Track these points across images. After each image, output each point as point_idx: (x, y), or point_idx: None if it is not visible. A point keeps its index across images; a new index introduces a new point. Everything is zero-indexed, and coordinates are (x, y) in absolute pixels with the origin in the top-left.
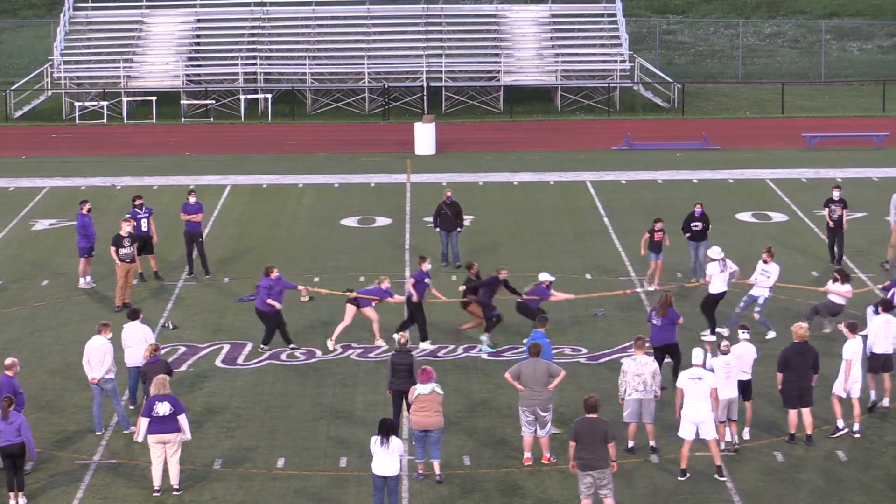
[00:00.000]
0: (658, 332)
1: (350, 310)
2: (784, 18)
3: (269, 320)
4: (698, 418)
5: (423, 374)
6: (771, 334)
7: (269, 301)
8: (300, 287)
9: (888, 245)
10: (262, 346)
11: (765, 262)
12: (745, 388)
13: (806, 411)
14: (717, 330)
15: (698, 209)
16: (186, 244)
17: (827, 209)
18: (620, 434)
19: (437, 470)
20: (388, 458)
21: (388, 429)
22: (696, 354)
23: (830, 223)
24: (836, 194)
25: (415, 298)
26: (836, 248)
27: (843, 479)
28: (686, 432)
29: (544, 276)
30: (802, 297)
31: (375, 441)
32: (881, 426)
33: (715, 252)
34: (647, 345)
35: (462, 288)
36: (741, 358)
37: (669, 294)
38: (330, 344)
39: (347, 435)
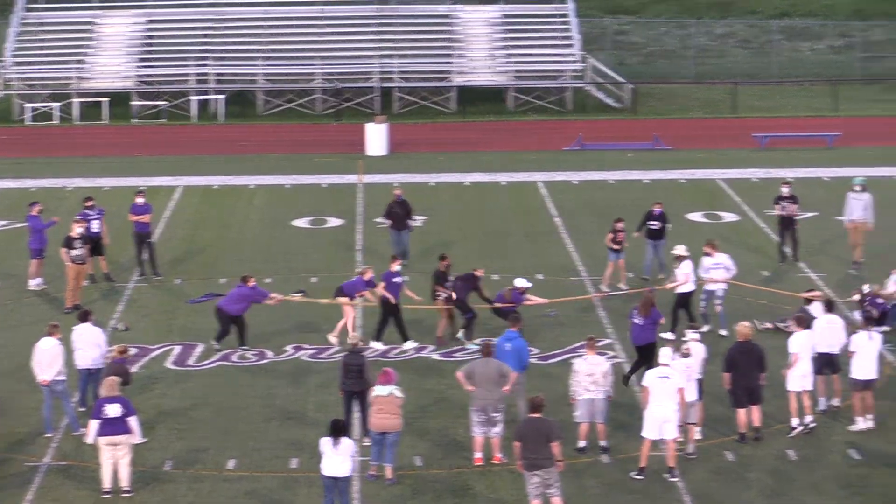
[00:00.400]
0: (640, 331)
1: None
2: (735, 19)
3: (226, 321)
4: (664, 417)
5: (382, 375)
6: (724, 331)
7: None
8: (273, 296)
9: (851, 245)
10: (214, 341)
11: (708, 254)
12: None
13: (755, 408)
14: (721, 332)
15: (657, 208)
16: (136, 245)
17: (777, 206)
18: (571, 434)
19: (388, 474)
20: (338, 459)
21: (339, 430)
22: (664, 353)
23: (779, 221)
24: (785, 191)
25: (392, 300)
26: (785, 248)
27: (794, 478)
28: (649, 431)
29: (520, 283)
30: (753, 296)
31: (326, 442)
32: (831, 425)
33: (684, 249)
34: (598, 344)
35: (439, 288)
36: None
37: (652, 293)
38: (333, 339)
39: (299, 436)
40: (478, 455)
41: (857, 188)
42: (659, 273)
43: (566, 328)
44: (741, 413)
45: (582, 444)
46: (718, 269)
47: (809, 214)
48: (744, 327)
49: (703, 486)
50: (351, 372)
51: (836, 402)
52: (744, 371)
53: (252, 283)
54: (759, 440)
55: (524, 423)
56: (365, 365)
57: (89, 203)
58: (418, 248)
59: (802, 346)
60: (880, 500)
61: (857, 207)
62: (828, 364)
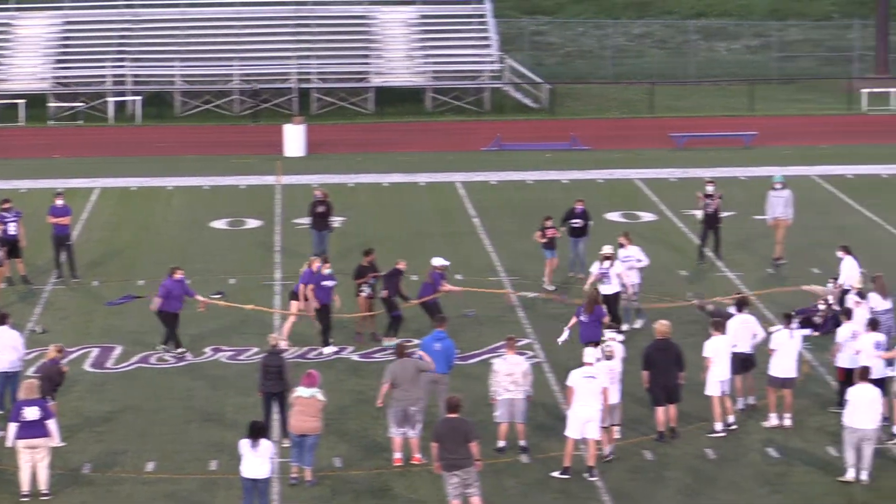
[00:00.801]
0: (585, 328)
1: (293, 305)
2: (652, 19)
3: (170, 320)
4: (587, 417)
5: (307, 377)
6: (638, 324)
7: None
8: (199, 298)
9: (775, 243)
10: (163, 346)
11: (622, 245)
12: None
13: (672, 407)
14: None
15: (579, 206)
16: (54, 248)
17: (701, 204)
18: (491, 433)
19: (308, 476)
20: (257, 460)
21: (258, 431)
22: (589, 353)
23: (702, 219)
24: (709, 189)
25: (316, 304)
26: (705, 249)
27: (712, 476)
28: (573, 431)
29: (438, 261)
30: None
31: (245, 444)
32: (748, 423)
33: (610, 249)
34: (517, 343)
35: (362, 283)
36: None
37: (596, 290)
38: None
39: (218, 438)
40: (397, 455)
41: (778, 186)
42: (580, 272)
43: (486, 328)
44: (659, 411)
45: (501, 444)
46: (629, 261)
47: (727, 214)
48: (662, 325)
49: (623, 485)
50: (270, 373)
51: (751, 400)
52: (662, 369)
53: (178, 274)
54: (676, 438)
55: (441, 423)
56: (284, 366)
57: (6, 205)
58: (337, 249)
59: (717, 350)
60: (799, 497)
61: (778, 205)
62: (742, 363)
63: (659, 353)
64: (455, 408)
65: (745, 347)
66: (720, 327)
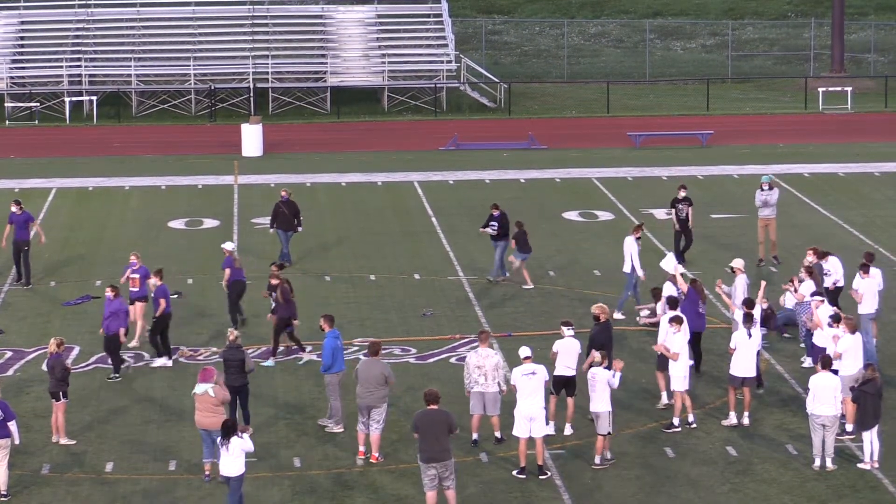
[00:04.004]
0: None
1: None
2: (609, 18)
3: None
4: (532, 413)
5: (202, 373)
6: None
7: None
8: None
9: (759, 242)
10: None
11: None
12: (569, 383)
13: None
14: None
15: (495, 212)
16: (14, 253)
17: (674, 209)
18: (466, 424)
19: (206, 470)
20: (230, 458)
21: (228, 430)
22: (525, 350)
23: (677, 225)
24: (681, 194)
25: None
26: (685, 250)
27: (672, 473)
28: (521, 430)
29: (228, 246)
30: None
31: (219, 443)
32: (708, 422)
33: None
34: (490, 338)
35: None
36: (567, 353)
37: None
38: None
39: (177, 438)
40: (361, 448)
41: (766, 186)
42: (500, 275)
43: (443, 327)
44: None
45: (475, 436)
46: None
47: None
48: (599, 308)
49: (582, 484)
50: (231, 367)
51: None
52: (607, 349)
53: (108, 292)
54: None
55: (422, 414)
56: (245, 359)
57: None
58: (295, 250)
59: (682, 346)
60: (757, 495)
61: (767, 204)
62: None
63: (602, 335)
64: (435, 399)
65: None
66: (681, 322)
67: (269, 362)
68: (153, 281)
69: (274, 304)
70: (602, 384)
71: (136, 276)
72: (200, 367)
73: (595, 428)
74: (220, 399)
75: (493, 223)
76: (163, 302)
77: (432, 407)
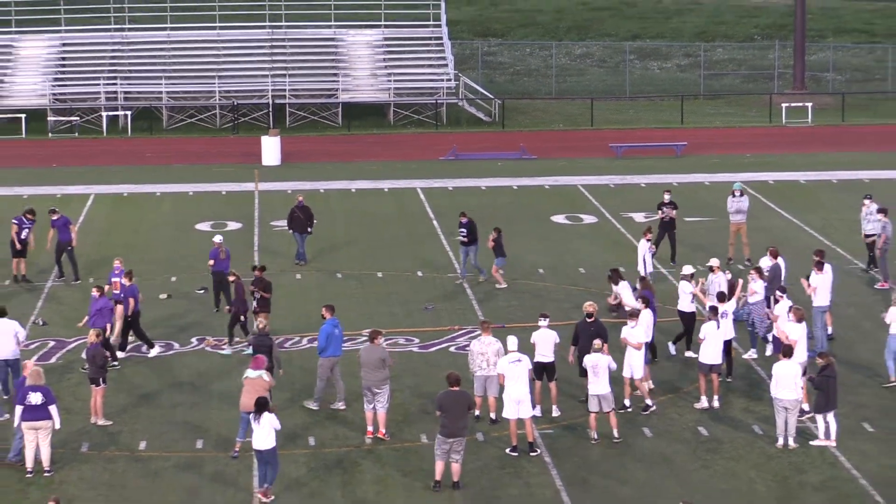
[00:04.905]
0: None
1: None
2: (592, 41)
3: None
4: (519, 396)
5: (254, 360)
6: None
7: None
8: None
9: (730, 244)
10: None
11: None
12: (548, 369)
13: None
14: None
15: (464, 219)
16: (57, 253)
17: (660, 211)
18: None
19: (237, 448)
20: (262, 433)
21: (261, 406)
22: (512, 341)
23: (661, 221)
24: (666, 197)
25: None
26: (674, 252)
27: (648, 452)
28: (510, 412)
29: (216, 239)
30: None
31: (251, 418)
32: (681, 405)
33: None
34: (490, 327)
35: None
36: (543, 342)
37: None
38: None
39: (203, 418)
40: (370, 428)
41: (737, 193)
42: (480, 276)
43: (443, 319)
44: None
45: (477, 413)
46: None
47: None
48: (589, 305)
49: (568, 460)
50: (260, 352)
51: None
52: (586, 344)
53: (94, 291)
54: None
55: (445, 395)
56: (273, 346)
57: (29, 216)
58: (311, 249)
59: (637, 338)
60: (722, 471)
61: (739, 210)
62: (651, 351)
63: (585, 329)
64: (457, 382)
65: (647, 338)
66: (636, 315)
67: (227, 351)
68: (123, 281)
69: (255, 301)
70: (604, 369)
71: (117, 279)
72: (250, 357)
73: (586, 406)
74: (270, 384)
75: (462, 230)
76: (132, 301)
77: (454, 388)
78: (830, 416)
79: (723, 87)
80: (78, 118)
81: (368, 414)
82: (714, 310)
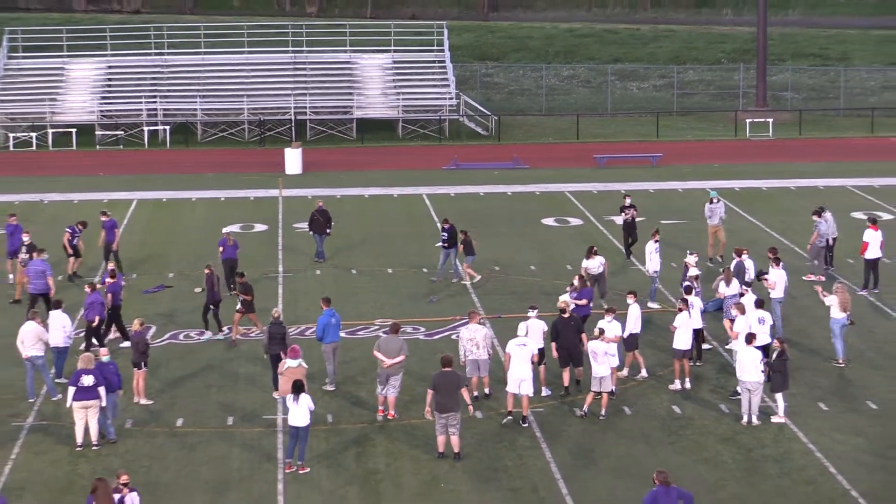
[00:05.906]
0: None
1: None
2: (578, 64)
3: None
4: (522, 376)
5: (291, 351)
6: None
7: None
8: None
9: (710, 245)
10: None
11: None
12: (538, 354)
13: (578, 369)
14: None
15: (446, 225)
16: (105, 251)
17: (623, 213)
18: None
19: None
20: (299, 411)
21: (298, 388)
22: (522, 327)
23: (624, 222)
24: (627, 201)
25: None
26: (630, 248)
27: (628, 428)
28: (512, 387)
29: (225, 229)
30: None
31: (289, 398)
32: (658, 387)
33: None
34: (478, 315)
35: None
36: (532, 330)
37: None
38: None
39: (232, 399)
40: (381, 408)
41: (714, 199)
42: (450, 277)
43: (446, 310)
44: (565, 371)
45: (475, 394)
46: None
47: (640, 219)
48: (563, 303)
49: (557, 434)
50: (275, 338)
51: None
52: (567, 337)
53: (87, 288)
54: (580, 392)
55: (438, 375)
56: (286, 334)
57: (80, 225)
58: (329, 248)
59: (615, 331)
60: (693, 445)
61: (715, 215)
62: (634, 342)
63: (563, 324)
64: (448, 363)
65: (634, 329)
66: (612, 312)
67: (205, 337)
68: (107, 279)
69: (239, 302)
70: (601, 355)
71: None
72: (289, 347)
73: (589, 386)
74: (306, 371)
75: (443, 234)
76: (110, 297)
77: (446, 369)
78: (783, 396)
79: (693, 105)
80: (122, 132)
81: (381, 397)
82: (685, 301)
